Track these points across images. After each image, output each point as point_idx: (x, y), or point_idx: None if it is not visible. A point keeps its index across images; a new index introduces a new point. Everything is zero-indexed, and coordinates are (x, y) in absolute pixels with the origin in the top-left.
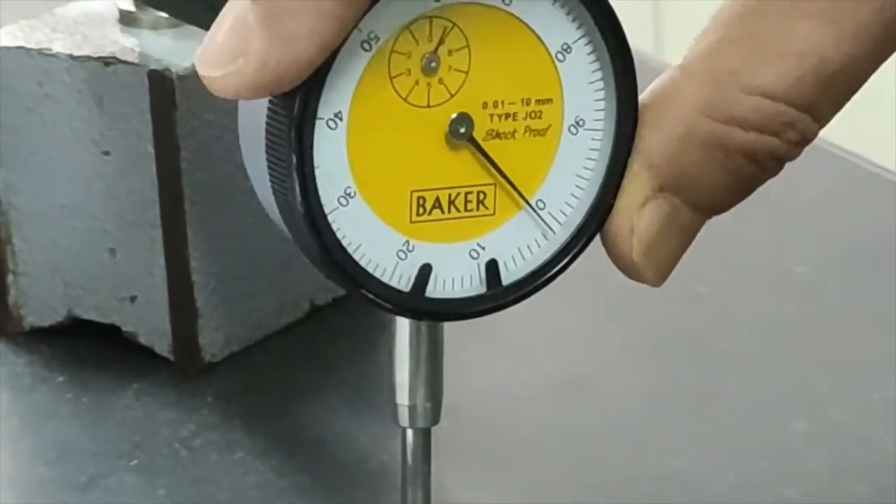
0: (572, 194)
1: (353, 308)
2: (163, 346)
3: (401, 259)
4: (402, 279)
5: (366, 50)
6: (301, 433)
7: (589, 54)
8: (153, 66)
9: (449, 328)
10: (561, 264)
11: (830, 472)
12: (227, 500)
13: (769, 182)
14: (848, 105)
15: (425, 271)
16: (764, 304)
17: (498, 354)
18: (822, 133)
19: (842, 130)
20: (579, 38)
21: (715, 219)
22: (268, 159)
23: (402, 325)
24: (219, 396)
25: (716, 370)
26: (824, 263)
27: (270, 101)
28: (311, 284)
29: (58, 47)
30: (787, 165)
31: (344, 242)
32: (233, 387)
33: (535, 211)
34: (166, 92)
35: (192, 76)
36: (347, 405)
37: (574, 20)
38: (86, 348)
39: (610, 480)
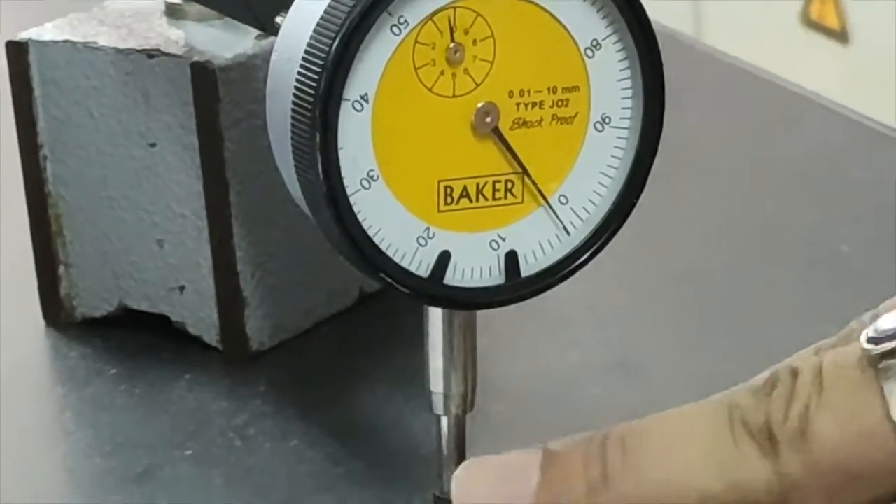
0: (595, 191)
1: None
2: (211, 336)
3: (421, 245)
4: (420, 265)
5: (395, 34)
6: (354, 420)
7: (618, 52)
8: (196, 58)
9: (496, 312)
10: (581, 259)
11: None
12: (283, 489)
13: (815, 162)
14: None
15: (444, 259)
16: (811, 283)
17: (546, 337)
18: (870, 113)
19: (890, 109)
20: (609, 36)
21: (762, 199)
22: (292, 138)
23: (436, 314)
24: (271, 385)
25: (764, 351)
26: (871, 243)
27: (297, 80)
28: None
29: (103, 40)
30: (833, 144)
31: (364, 225)
32: (285, 376)
33: (551, 209)
34: (209, 83)
35: (235, 67)
36: (399, 391)
37: (605, 17)
38: (137, 340)
39: None
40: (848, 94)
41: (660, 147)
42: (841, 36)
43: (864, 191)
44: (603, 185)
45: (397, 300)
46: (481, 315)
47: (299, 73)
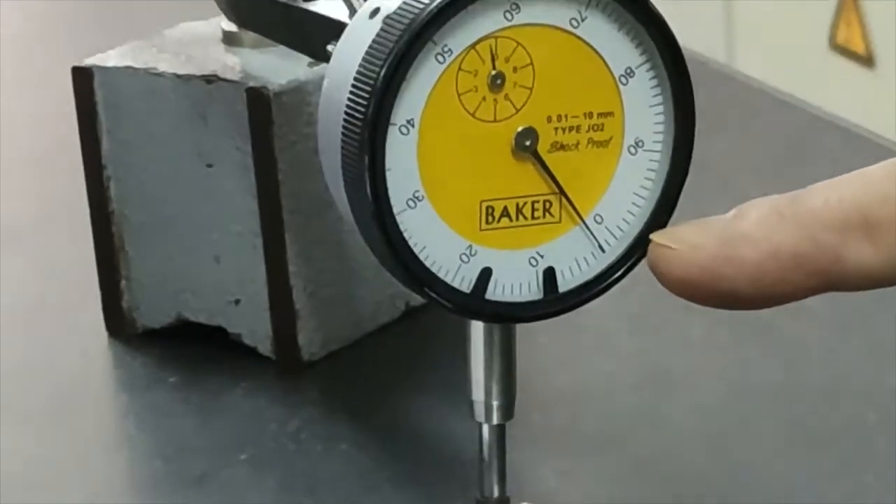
0: (629, 211)
1: None
2: (265, 347)
3: (463, 262)
4: (463, 281)
5: (439, 62)
6: (400, 426)
7: (651, 79)
8: (251, 84)
9: (537, 325)
10: (615, 276)
11: None
12: (333, 490)
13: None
14: None
15: (485, 275)
16: (839, 297)
17: (582, 347)
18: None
19: None
20: (642, 64)
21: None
22: (342, 160)
23: (477, 327)
24: (322, 393)
25: (799, 364)
26: None
27: (347, 105)
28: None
29: (163, 67)
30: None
31: (410, 243)
32: (335, 384)
33: (587, 227)
34: (264, 108)
35: (288, 92)
36: (443, 399)
37: (638, 46)
38: (195, 350)
39: (692, 470)
40: (874, 118)
41: (691, 169)
42: (867, 60)
43: None
44: (636, 205)
45: (440, 314)
46: (523, 328)
47: (349, 99)
